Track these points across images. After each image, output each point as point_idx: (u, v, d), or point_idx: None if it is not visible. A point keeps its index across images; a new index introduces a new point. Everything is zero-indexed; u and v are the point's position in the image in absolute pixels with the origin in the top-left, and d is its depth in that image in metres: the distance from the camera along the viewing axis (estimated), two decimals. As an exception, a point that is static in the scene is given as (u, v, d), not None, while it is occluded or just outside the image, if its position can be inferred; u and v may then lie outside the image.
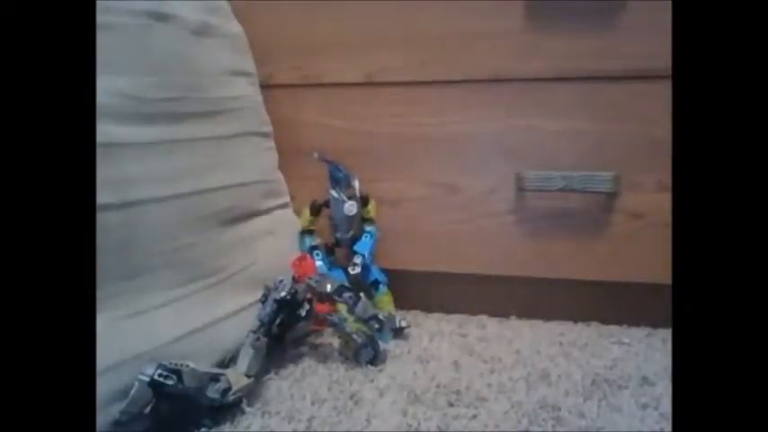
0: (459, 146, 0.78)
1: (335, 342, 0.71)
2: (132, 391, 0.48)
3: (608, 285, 0.77)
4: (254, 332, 0.61)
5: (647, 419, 0.54)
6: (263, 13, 0.80)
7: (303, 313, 0.65)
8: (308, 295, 0.66)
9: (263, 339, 0.61)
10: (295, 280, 0.65)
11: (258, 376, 0.60)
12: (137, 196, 0.55)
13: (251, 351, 0.59)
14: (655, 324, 0.76)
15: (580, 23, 0.71)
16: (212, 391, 0.53)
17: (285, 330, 0.65)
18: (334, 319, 0.67)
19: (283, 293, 0.62)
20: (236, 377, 0.56)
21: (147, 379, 0.49)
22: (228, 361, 0.60)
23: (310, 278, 0.67)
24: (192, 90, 0.63)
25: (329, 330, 0.72)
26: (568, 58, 0.72)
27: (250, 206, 0.70)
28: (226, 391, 0.53)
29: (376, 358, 0.66)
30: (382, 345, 0.68)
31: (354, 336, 0.66)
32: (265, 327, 0.61)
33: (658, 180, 0.72)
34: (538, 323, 0.79)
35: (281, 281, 0.64)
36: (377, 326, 0.67)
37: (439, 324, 0.79)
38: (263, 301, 0.63)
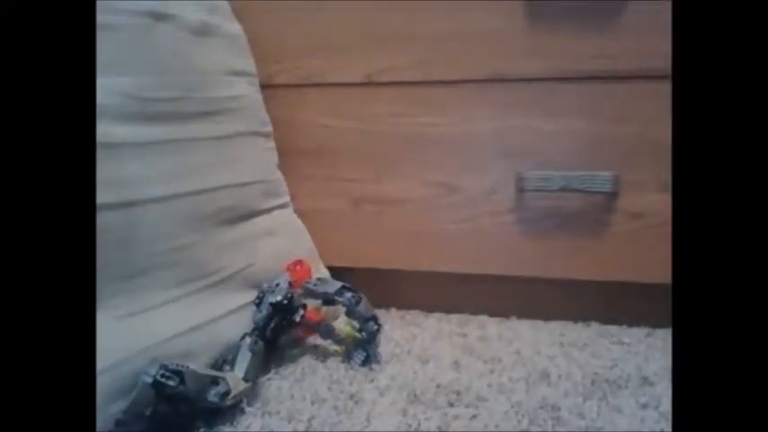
0: (459, 146, 0.78)
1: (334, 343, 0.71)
2: (135, 392, 0.48)
3: (608, 285, 0.77)
4: (250, 335, 0.60)
5: (647, 419, 0.54)
6: (263, 13, 0.80)
7: (297, 319, 0.65)
8: (303, 301, 0.66)
9: (261, 344, 0.60)
10: (291, 285, 0.64)
11: (255, 380, 0.60)
12: (137, 196, 0.55)
13: (248, 355, 0.58)
14: (655, 324, 0.76)
15: (580, 23, 0.71)
16: (212, 395, 0.52)
17: (278, 334, 0.65)
18: (322, 327, 0.67)
19: (279, 297, 0.62)
20: (236, 381, 0.55)
21: (151, 380, 0.48)
22: (223, 362, 0.60)
23: (308, 282, 0.66)
24: (192, 90, 0.63)
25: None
26: (568, 58, 0.72)
27: (250, 206, 0.70)
28: (225, 394, 0.53)
29: (368, 360, 0.66)
30: (380, 345, 0.67)
31: (345, 340, 0.66)
32: (260, 330, 0.61)
33: (658, 180, 0.72)
34: (538, 323, 0.79)
35: (276, 284, 0.63)
36: (375, 326, 0.67)
37: (439, 324, 0.79)
38: (258, 303, 0.63)
